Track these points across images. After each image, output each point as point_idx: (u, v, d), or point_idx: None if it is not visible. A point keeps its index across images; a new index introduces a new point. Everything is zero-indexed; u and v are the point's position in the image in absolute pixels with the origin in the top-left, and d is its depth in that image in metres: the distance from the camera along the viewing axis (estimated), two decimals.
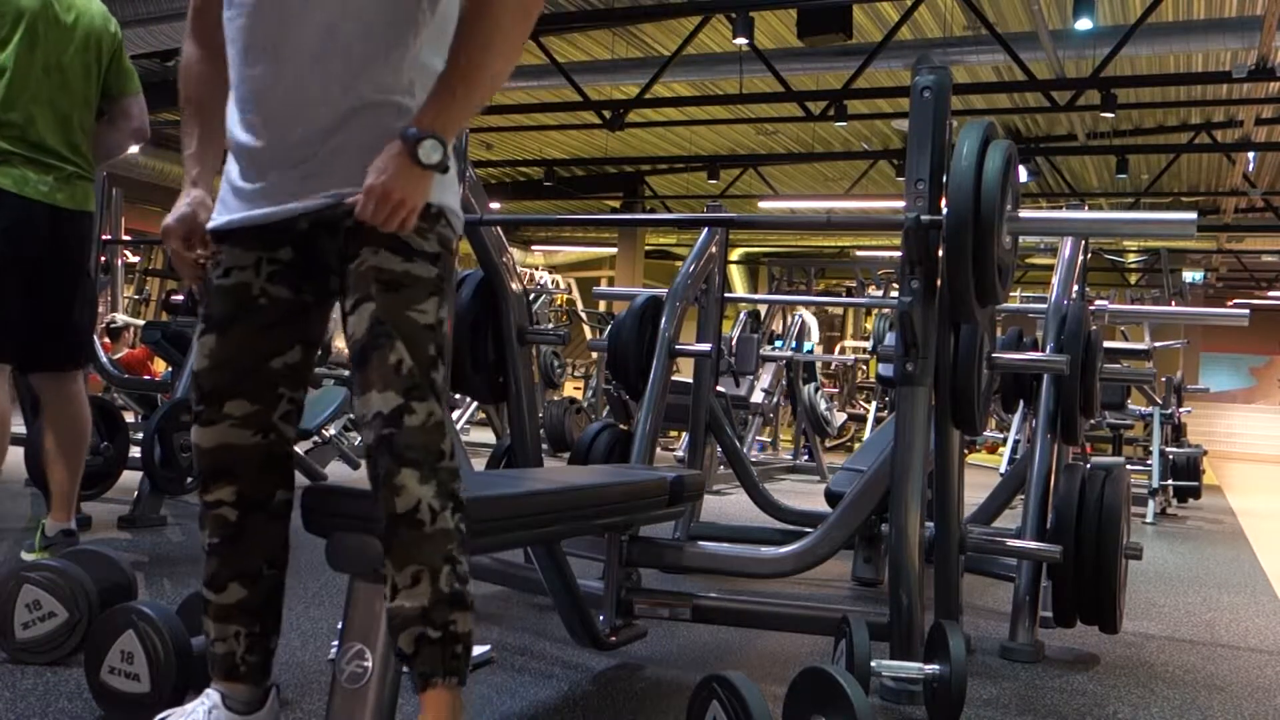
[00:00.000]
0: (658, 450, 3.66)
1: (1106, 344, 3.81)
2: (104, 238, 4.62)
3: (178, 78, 1.81)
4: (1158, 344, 7.51)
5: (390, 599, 1.54)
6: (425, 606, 1.52)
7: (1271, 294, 21.05)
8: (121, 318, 8.40)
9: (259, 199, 1.64)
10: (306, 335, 1.73)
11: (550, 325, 10.10)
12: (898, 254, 2.61)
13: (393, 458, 1.52)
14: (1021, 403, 4.45)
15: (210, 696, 1.71)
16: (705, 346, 3.84)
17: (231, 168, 1.70)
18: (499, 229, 2.99)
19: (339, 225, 1.62)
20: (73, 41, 2.96)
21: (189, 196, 1.74)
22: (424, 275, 1.60)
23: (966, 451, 3.90)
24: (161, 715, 1.73)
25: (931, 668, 2.17)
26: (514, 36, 1.61)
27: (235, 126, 1.67)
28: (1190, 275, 17.91)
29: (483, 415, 9.58)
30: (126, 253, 10.51)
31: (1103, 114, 9.27)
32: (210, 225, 1.71)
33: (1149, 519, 6.93)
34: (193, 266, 1.72)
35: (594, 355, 11.15)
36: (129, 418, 5.78)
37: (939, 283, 2.42)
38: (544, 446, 6.69)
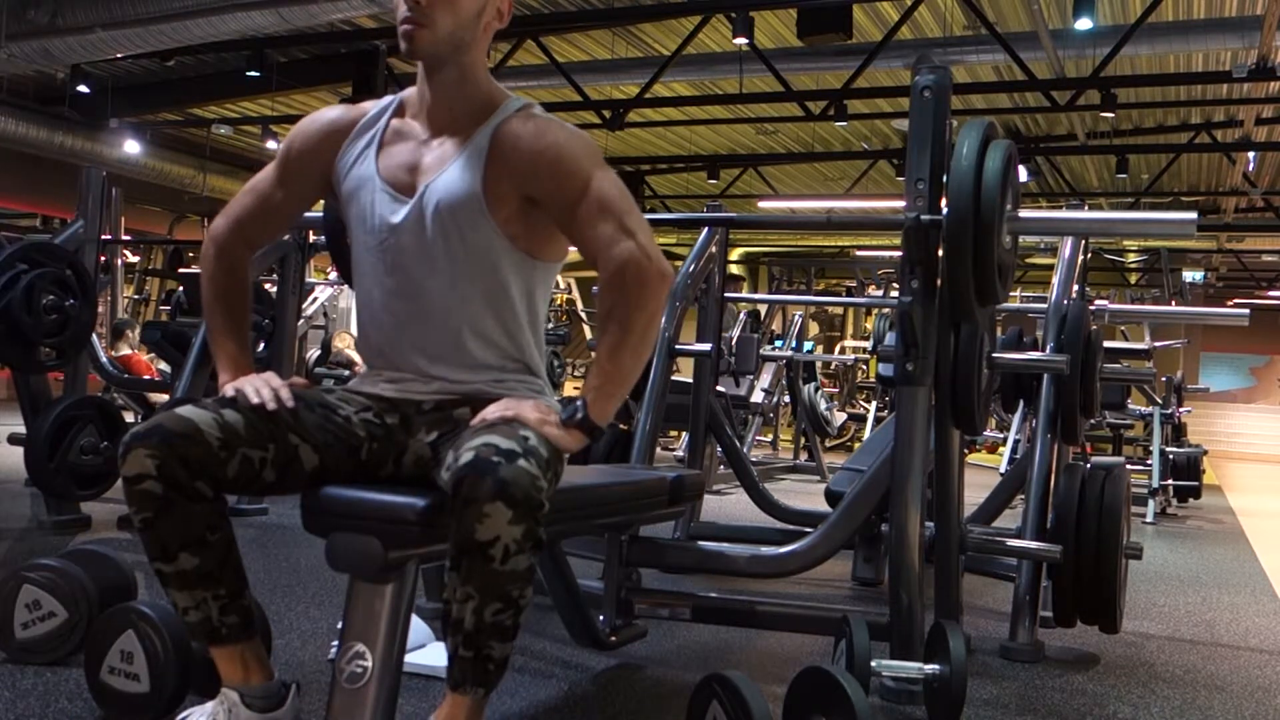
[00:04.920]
0: (658, 450, 3.66)
1: (1106, 344, 3.81)
2: (104, 237, 4.61)
3: None
4: (1158, 344, 7.49)
5: (445, 596, 1.56)
6: (468, 629, 1.54)
7: (1271, 294, 21.04)
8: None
9: None
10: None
11: (550, 325, 10.10)
12: (898, 254, 2.61)
13: (494, 483, 1.49)
14: (1021, 403, 4.44)
15: (228, 696, 1.69)
16: (705, 346, 3.84)
17: None
18: None
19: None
20: None
21: None
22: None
23: (966, 451, 3.90)
24: (182, 715, 1.71)
25: (931, 667, 2.17)
26: (649, 342, 1.87)
27: None
28: (1190, 275, 17.89)
29: None
30: (126, 253, 10.52)
31: (1103, 114, 9.26)
32: None
33: (1149, 519, 6.92)
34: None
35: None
36: (129, 418, 5.78)
37: (939, 282, 2.42)
38: None
